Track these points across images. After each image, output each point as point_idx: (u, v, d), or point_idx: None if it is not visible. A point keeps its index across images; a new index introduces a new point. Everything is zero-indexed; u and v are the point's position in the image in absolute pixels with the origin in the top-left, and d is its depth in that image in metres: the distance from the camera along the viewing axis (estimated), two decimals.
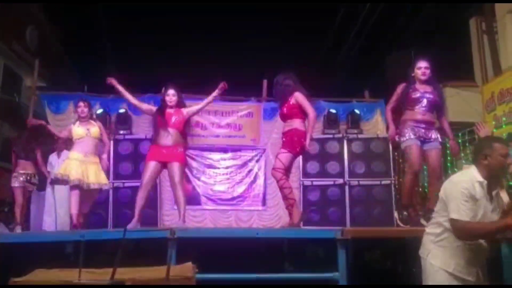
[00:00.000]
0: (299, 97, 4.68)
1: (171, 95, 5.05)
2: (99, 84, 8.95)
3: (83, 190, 5.25)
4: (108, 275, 1.73)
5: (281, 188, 4.63)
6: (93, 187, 5.27)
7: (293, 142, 4.61)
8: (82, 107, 5.44)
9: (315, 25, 11.54)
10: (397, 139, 4.82)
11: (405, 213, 4.57)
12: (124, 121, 7.82)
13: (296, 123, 4.68)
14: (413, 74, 4.83)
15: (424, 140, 4.65)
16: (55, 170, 5.73)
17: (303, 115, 4.70)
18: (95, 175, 5.28)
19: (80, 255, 1.84)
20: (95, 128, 5.43)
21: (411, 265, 3.78)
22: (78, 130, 5.36)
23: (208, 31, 11.89)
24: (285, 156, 4.60)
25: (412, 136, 4.61)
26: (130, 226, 4.60)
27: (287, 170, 4.66)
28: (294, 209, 4.60)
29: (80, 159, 5.24)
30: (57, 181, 5.50)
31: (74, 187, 5.17)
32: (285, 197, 4.65)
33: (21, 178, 6.36)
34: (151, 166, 4.87)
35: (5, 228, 6.68)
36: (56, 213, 6.76)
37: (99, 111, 7.72)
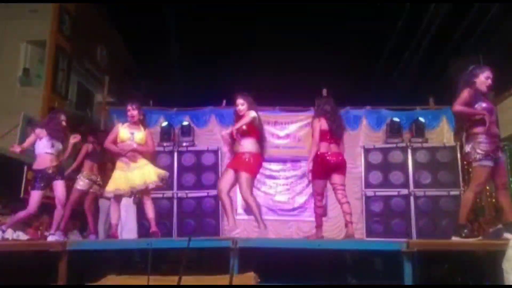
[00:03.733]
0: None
1: (239, 104, 5.12)
2: (163, 98, 9.42)
3: (129, 198, 5.38)
4: (174, 282, 1.79)
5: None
6: (140, 188, 5.12)
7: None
8: (131, 110, 5.29)
9: (375, 31, 11.31)
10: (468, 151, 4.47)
11: (465, 230, 4.29)
12: (187, 133, 8.04)
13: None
14: (474, 80, 4.42)
15: (495, 158, 4.31)
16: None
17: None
18: (141, 177, 5.13)
19: (147, 262, 1.92)
20: (140, 134, 5.30)
21: (483, 279, 3.58)
22: (123, 132, 5.28)
23: (267, 41, 12.00)
24: None
25: (488, 158, 4.25)
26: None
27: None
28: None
29: (122, 168, 5.19)
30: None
31: (114, 197, 5.19)
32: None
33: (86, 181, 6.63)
34: (226, 172, 5.07)
35: (79, 236, 7.05)
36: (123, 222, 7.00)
37: (164, 124, 8.04)
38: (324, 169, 5.04)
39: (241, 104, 5.08)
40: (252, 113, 4.97)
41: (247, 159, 4.89)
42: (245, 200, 4.93)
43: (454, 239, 4.30)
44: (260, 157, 5.06)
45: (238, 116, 5.08)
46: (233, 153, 5.11)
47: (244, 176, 4.87)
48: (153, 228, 5.14)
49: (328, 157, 5.04)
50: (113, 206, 5.23)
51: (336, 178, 5.11)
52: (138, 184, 5.07)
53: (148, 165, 5.22)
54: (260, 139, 5.10)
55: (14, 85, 10.03)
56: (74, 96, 11.31)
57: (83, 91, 11.67)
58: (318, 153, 5.03)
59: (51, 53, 10.18)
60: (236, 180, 4.98)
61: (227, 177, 5.02)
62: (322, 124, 5.10)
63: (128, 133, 5.23)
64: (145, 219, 5.53)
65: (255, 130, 5.03)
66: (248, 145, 4.95)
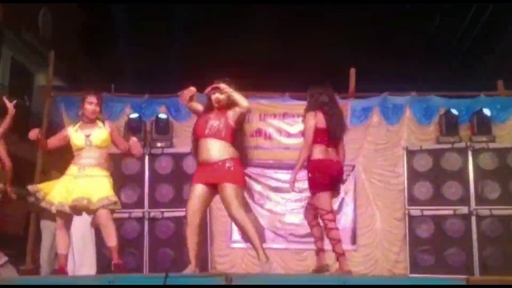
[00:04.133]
0: None
1: (218, 93, 5.04)
2: (130, 80, 9.39)
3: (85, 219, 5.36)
4: None
5: None
6: (81, 205, 5.06)
7: None
8: (94, 104, 5.28)
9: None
10: None
11: None
12: (164, 129, 8.06)
13: None
14: None
15: None
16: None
17: None
18: (103, 191, 5.15)
19: None
20: (100, 132, 5.31)
21: None
22: (76, 137, 5.28)
23: (272, 4, 11.93)
24: None
25: None
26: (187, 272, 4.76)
27: None
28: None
29: (75, 174, 5.19)
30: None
31: (58, 214, 5.13)
32: None
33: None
34: (197, 190, 4.93)
35: (14, 270, 7.05)
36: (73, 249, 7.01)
37: (132, 116, 8.07)
38: (329, 179, 5.29)
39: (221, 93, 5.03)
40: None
41: (232, 168, 4.90)
42: (237, 220, 4.86)
43: None
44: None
45: (210, 108, 5.05)
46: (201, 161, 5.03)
47: (231, 188, 4.84)
48: (116, 260, 5.16)
49: (332, 165, 5.33)
50: (59, 229, 5.21)
51: None
52: (79, 198, 5.05)
53: (108, 178, 5.30)
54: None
55: None
56: (6, 78, 11.28)
57: (18, 70, 11.62)
58: (313, 159, 5.28)
59: None
60: (211, 199, 5.04)
61: (199, 196, 4.94)
62: (318, 120, 5.26)
63: (82, 137, 5.25)
64: (106, 248, 5.48)
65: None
66: (229, 149, 4.96)
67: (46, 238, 7.24)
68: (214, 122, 4.94)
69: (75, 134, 5.28)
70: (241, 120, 5.06)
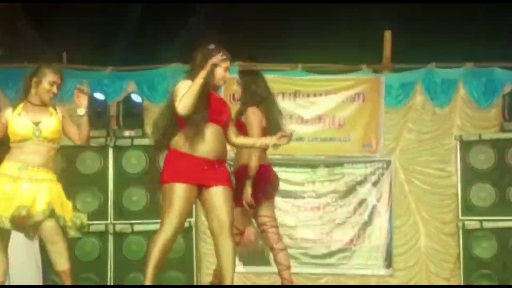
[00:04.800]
0: None
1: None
2: (88, 48, 9.14)
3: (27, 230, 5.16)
4: None
5: None
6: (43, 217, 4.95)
7: None
8: (57, 85, 5.13)
9: None
10: None
11: None
12: (133, 113, 8.01)
13: None
14: None
15: None
16: None
17: None
18: (49, 201, 4.99)
19: None
20: (53, 121, 5.17)
21: None
22: (18, 122, 5.10)
23: None
24: None
25: None
26: None
27: None
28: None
29: (15, 174, 5.04)
30: None
31: None
32: None
33: None
34: (179, 192, 4.74)
35: None
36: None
37: (99, 95, 7.96)
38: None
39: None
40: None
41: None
42: (226, 234, 4.80)
43: None
44: None
45: (220, 102, 5.02)
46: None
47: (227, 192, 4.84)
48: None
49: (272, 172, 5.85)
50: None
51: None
52: (20, 207, 4.88)
53: (55, 182, 5.14)
54: None
55: None
56: None
57: None
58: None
59: None
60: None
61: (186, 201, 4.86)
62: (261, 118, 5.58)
63: (28, 124, 5.05)
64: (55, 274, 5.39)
65: None
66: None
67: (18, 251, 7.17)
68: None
69: (18, 120, 5.05)
70: None
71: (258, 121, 5.51)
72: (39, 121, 5.01)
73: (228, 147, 4.98)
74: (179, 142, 4.75)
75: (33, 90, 5.07)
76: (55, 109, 5.19)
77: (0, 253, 5.04)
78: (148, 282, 4.69)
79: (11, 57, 9.03)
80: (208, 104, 4.80)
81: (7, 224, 4.83)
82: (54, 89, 5.07)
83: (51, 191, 5.00)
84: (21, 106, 5.09)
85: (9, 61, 8.73)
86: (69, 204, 5.10)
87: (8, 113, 5.08)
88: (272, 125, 5.55)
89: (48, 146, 5.06)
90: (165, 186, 4.76)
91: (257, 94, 5.65)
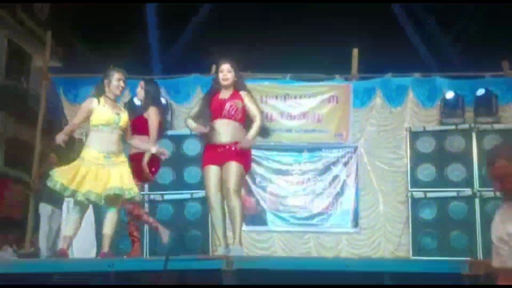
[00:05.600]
0: None
1: (225, 71, 5.15)
2: (129, 62, 9.37)
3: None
4: None
5: None
6: (116, 194, 5.02)
7: None
8: (123, 81, 5.20)
9: None
10: None
11: None
12: (163, 111, 8.00)
13: None
14: None
15: None
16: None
17: None
18: (120, 180, 5.06)
19: None
20: (125, 115, 5.21)
21: None
22: (104, 112, 5.10)
23: None
24: None
25: None
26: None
27: None
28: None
29: (99, 161, 5.06)
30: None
31: (80, 202, 5.04)
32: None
33: None
34: (209, 172, 5.04)
35: (14, 254, 7.12)
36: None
37: (129, 98, 8.06)
38: None
39: (228, 70, 5.13)
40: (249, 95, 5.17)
41: (241, 150, 5.01)
42: (230, 198, 4.96)
43: None
44: None
45: (218, 85, 5.15)
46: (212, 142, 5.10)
47: (235, 166, 4.95)
48: (105, 248, 5.11)
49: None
50: (75, 214, 5.16)
51: None
52: (116, 188, 4.98)
53: (126, 164, 5.20)
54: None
55: None
56: (3, 60, 11.27)
57: (15, 52, 11.62)
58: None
59: None
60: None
61: (215, 178, 5.07)
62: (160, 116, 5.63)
63: (111, 113, 5.12)
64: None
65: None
66: (242, 132, 5.08)
67: (44, 221, 7.26)
68: (230, 103, 5.03)
69: (103, 109, 5.10)
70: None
71: (157, 118, 5.49)
72: (118, 113, 5.09)
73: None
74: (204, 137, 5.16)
75: (107, 89, 5.11)
76: (123, 108, 5.37)
77: (79, 217, 5.11)
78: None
79: (70, 68, 9.17)
80: (208, 106, 5.09)
81: (101, 202, 4.96)
82: (122, 84, 5.15)
83: (128, 171, 5.09)
84: (102, 99, 5.09)
85: (68, 71, 8.81)
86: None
87: (95, 103, 5.07)
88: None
89: (119, 134, 5.09)
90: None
91: (156, 98, 5.71)
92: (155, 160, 5.47)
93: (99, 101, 5.07)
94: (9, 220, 9.20)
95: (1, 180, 10.53)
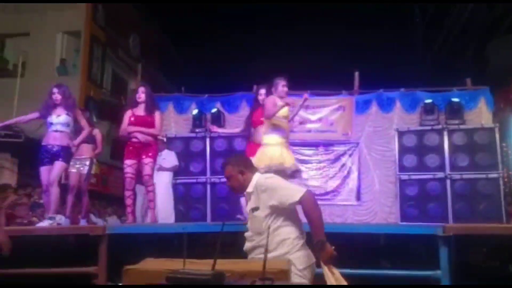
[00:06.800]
0: None
1: (262, 94, 5.18)
2: (195, 84, 9.52)
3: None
4: (209, 265, 1.84)
5: None
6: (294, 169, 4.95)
7: None
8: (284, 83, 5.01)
9: (407, 12, 11.06)
10: None
11: None
12: (218, 119, 8.08)
13: None
14: None
15: None
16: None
17: None
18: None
19: (183, 246, 1.98)
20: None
21: None
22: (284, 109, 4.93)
23: (297, 26, 11.91)
24: None
25: None
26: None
27: None
28: None
29: (281, 142, 4.85)
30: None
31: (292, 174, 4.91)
32: None
33: None
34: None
35: (118, 220, 7.27)
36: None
37: (195, 111, 8.11)
38: None
39: (264, 94, 5.23)
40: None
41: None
42: None
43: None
44: None
45: (257, 103, 5.29)
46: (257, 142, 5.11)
47: None
48: None
49: None
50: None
51: None
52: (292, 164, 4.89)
53: None
54: None
55: (52, 75, 10.35)
56: (109, 84, 11.61)
57: (117, 79, 11.95)
58: None
59: (86, 43, 10.44)
60: None
61: None
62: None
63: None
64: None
65: None
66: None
67: (139, 198, 7.40)
68: None
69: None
70: None
71: (162, 120, 5.62)
72: None
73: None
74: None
75: (277, 94, 4.92)
76: None
77: None
78: None
79: (154, 89, 9.29)
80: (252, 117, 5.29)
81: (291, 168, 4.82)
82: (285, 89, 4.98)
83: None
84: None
85: (153, 91, 8.93)
86: None
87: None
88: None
89: None
90: None
91: (156, 102, 5.63)
92: None
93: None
94: (114, 197, 9.37)
95: (108, 168, 10.78)
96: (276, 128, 4.81)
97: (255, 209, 2.86)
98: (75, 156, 6.07)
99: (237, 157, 3.23)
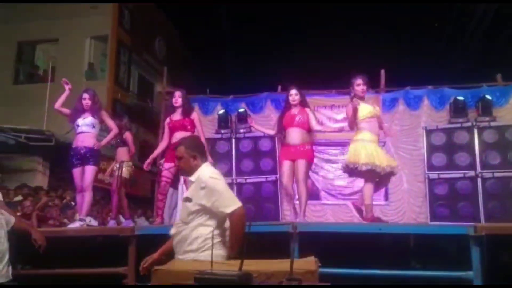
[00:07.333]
0: None
1: (293, 94, 5.24)
2: (219, 86, 9.58)
3: (377, 176, 4.90)
4: (236, 266, 1.84)
5: None
6: (388, 171, 4.85)
7: None
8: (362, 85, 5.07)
9: (435, 8, 10.82)
10: None
11: None
12: (244, 120, 8.04)
13: None
14: None
15: None
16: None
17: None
18: (386, 157, 4.90)
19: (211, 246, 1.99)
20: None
21: None
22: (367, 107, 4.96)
23: (322, 24, 11.85)
24: None
25: None
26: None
27: None
28: None
29: (369, 138, 4.93)
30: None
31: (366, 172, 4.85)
32: None
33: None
34: (285, 165, 5.20)
35: (145, 221, 7.36)
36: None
37: (221, 111, 8.14)
38: None
39: (295, 94, 5.28)
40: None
41: (306, 150, 5.20)
42: (299, 185, 5.12)
43: None
44: None
45: (289, 104, 5.31)
46: (286, 143, 5.23)
47: (303, 164, 5.11)
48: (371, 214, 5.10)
49: None
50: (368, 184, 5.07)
51: None
52: (387, 165, 4.92)
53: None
54: None
55: (80, 80, 10.59)
56: (136, 88, 11.81)
57: (143, 82, 12.15)
58: None
59: (113, 47, 10.65)
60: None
61: (289, 170, 5.21)
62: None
63: (372, 107, 5.23)
64: None
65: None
66: (307, 136, 5.24)
67: (168, 198, 7.47)
68: (299, 117, 5.18)
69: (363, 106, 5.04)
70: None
71: (200, 121, 5.49)
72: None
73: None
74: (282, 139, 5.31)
75: (353, 92, 5.11)
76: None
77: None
78: None
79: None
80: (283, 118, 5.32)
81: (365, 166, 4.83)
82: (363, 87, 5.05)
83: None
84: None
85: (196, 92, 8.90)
86: None
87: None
88: None
89: None
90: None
91: (192, 105, 5.72)
92: None
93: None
94: (143, 198, 9.49)
95: (136, 170, 10.92)
96: (365, 127, 5.02)
97: (188, 199, 2.86)
98: (116, 160, 6.40)
99: (193, 141, 3.15)
